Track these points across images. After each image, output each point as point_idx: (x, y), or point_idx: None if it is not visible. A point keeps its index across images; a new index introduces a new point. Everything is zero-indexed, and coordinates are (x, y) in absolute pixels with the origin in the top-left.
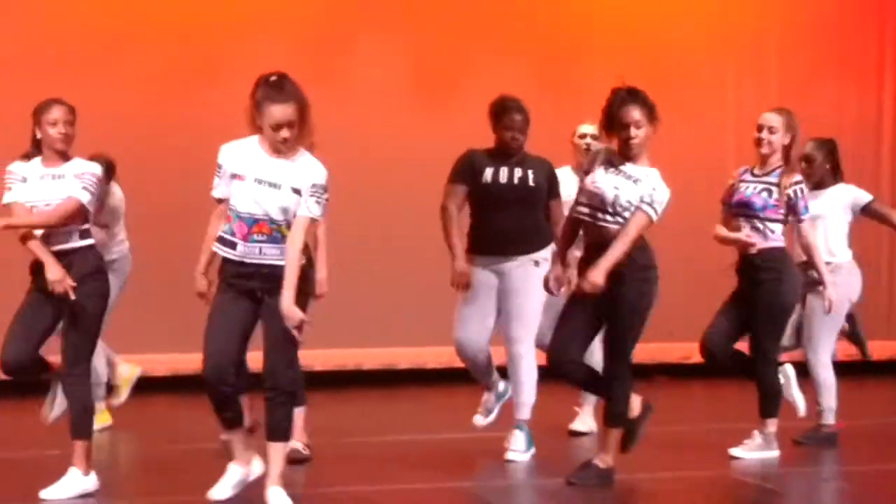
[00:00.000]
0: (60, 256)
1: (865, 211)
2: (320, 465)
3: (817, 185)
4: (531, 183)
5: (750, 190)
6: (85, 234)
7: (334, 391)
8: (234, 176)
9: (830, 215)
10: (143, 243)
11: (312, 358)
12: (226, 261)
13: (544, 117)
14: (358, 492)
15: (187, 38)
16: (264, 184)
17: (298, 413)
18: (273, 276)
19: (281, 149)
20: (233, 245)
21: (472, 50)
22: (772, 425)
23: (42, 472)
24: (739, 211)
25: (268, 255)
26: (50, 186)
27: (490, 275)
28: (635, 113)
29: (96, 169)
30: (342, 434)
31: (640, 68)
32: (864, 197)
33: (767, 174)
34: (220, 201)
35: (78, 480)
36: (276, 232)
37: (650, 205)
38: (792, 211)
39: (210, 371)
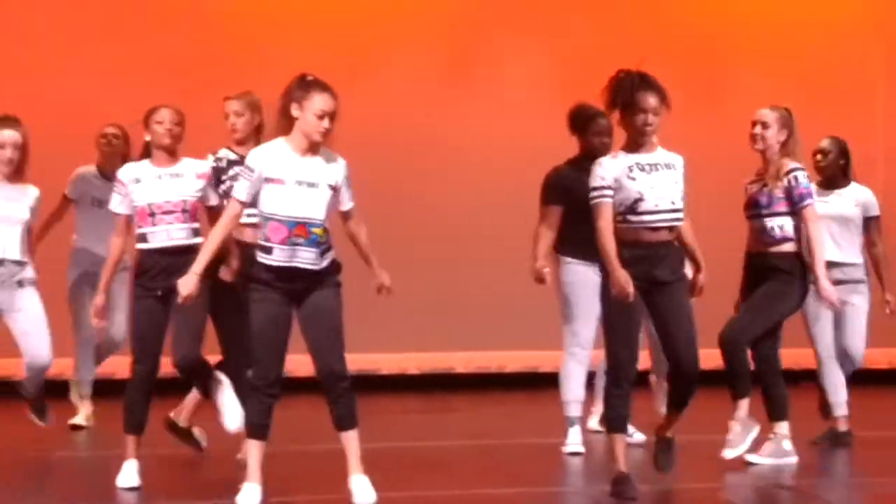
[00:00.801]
0: (183, 252)
1: (865, 222)
2: (460, 467)
3: (829, 183)
4: None
5: (754, 189)
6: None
7: (476, 394)
8: (268, 180)
9: (848, 213)
10: None
11: (454, 360)
12: (262, 266)
13: (689, 122)
14: (496, 495)
15: (323, 41)
16: (304, 184)
17: (194, 398)
18: (311, 275)
19: (317, 138)
20: (269, 250)
21: (616, 53)
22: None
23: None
24: (749, 213)
25: (303, 258)
26: (169, 185)
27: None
28: (652, 99)
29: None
30: (482, 436)
31: (786, 74)
32: (874, 208)
33: (764, 172)
34: (243, 204)
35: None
36: (313, 235)
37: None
38: (793, 199)
39: (260, 382)
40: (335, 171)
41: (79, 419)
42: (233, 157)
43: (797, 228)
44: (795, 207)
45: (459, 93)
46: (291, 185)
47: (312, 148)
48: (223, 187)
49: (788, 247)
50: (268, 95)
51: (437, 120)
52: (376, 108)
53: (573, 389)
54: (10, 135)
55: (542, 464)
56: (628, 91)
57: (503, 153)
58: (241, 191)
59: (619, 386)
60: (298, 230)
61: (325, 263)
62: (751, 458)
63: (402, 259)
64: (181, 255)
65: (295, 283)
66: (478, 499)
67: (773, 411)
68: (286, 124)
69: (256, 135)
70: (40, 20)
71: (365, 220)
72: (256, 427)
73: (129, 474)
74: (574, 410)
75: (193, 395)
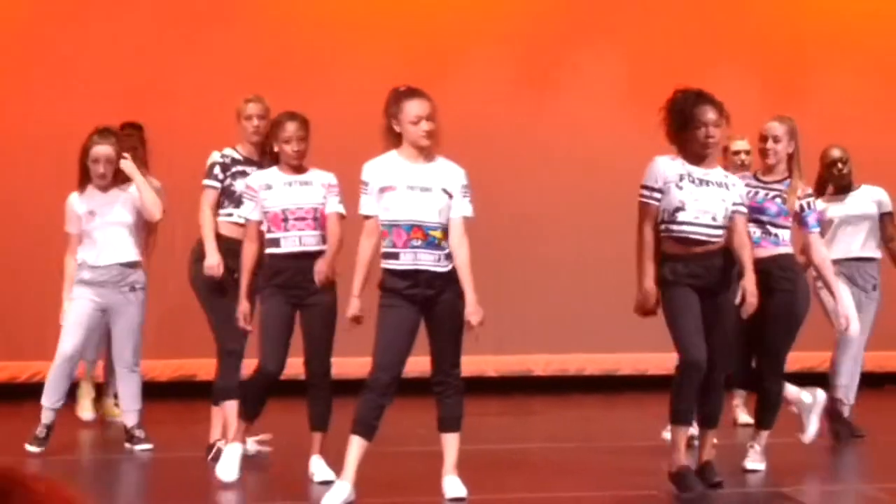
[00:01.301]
0: (312, 258)
1: (881, 218)
2: (538, 470)
3: (845, 189)
4: None
5: (762, 195)
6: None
7: (554, 396)
8: (382, 189)
9: (868, 212)
10: None
11: (533, 363)
12: (389, 273)
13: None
14: (575, 498)
15: (402, 47)
16: (416, 189)
17: (232, 406)
18: (435, 280)
19: (424, 143)
20: (395, 256)
21: (688, 56)
22: (766, 437)
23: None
24: (752, 217)
25: (424, 260)
26: (300, 192)
27: None
28: (711, 113)
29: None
30: (561, 439)
31: (869, 71)
32: (888, 204)
33: (778, 181)
34: (367, 218)
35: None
36: (431, 237)
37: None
38: (801, 222)
39: (377, 384)
40: (450, 178)
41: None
42: (238, 156)
43: (791, 237)
44: (803, 230)
45: (537, 96)
46: (403, 190)
47: (424, 155)
48: (224, 184)
49: (788, 250)
50: (350, 101)
51: (516, 124)
52: (454, 112)
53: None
54: (104, 150)
55: (620, 467)
56: (687, 108)
57: (585, 155)
58: (363, 205)
59: (689, 379)
60: (416, 232)
61: (448, 267)
62: (750, 464)
63: (482, 261)
64: (310, 261)
65: (418, 287)
66: (556, 501)
67: (766, 419)
68: (393, 140)
69: (267, 139)
70: (121, 22)
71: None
72: (364, 425)
73: (229, 464)
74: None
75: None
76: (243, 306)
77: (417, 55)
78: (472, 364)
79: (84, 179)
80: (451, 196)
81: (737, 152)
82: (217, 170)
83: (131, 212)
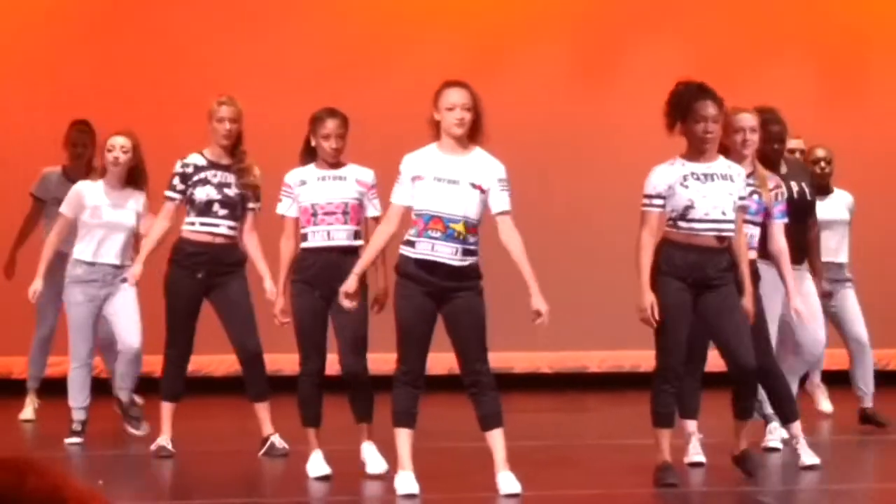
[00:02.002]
0: (342, 252)
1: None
2: (593, 466)
3: (824, 189)
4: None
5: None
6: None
7: (609, 393)
8: (413, 179)
9: (846, 217)
10: None
11: (588, 359)
12: (405, 259)
13: (831, 115)
14: (631, 495)
15: (456, 40)
16: (443, 181)
17: (264, 406)
18: (451, 273)
19: (455, 131)
20: (412, 244)
21: (746, 51)
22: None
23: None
24: None
25: (440, 252)
26: (332, 187)
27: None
28: (711, 108)
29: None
30: (616, 436)
31: None
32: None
33: (749, 175)
34: (400, 206)
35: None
36: (450, 230)
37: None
38: (768, 214)
39: (406, 376)
40: (484, 172)
41: (27, 413)
42: (202, 162)
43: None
44: (771, 220)
45: (592, 90)
46: (430, 181)
47: (460, 146)
48: (189, 193)
49: (752, 255)
50: (400, 95)
51: (570, 119)
52: (508, 108)
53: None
54: (120, 140)
55: (675, 463)
56: (687, 101)
57: (641, 149)
58: (393, 193)
59: (668, 384)
60: (434, 223)
61: (466, 262)
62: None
63: (536, 256)
64: (340, 256)
65: (436, 278)
66: (613, 498)
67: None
68: (437, 132)
69: (237, 143)
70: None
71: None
72: (404, 414)
73: (317, 464)
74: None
75: None
76: (280, 302)
77: (470, 51)
78: (527, 360)
79: (100, 172)
80: (482, 190)
81: (791, 150)
82: (176, 180)
83: (136, 216)
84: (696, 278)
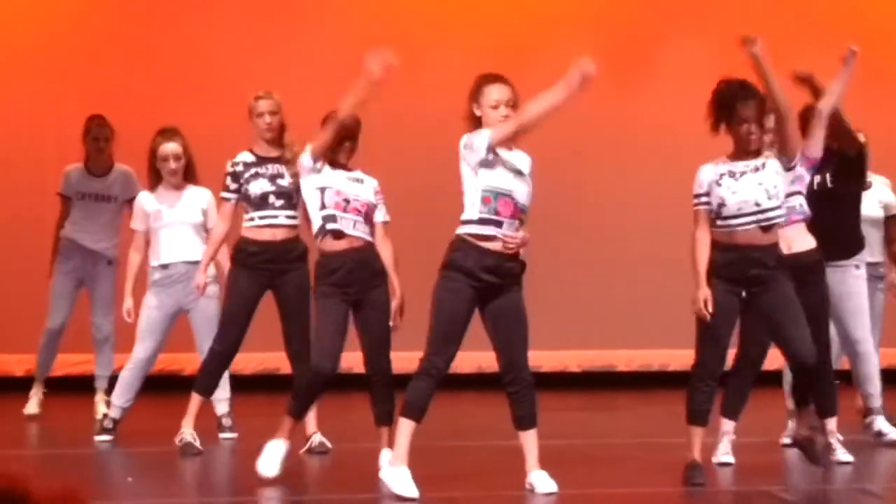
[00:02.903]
0: (364, 250)
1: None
2: (623, 465)
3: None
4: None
5: None
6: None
7: (638, 392)
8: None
9: (877, 215)
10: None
11: (616, 358)
12: (466, 254)
13: (873, 110)
14: (660, 493)
15: (488, 37)
16: (515, 171)
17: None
18: (510, 270)
19: None
20: (491, 238)
21: (776, 46)
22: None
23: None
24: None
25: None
26: (351, 188)
27: None
28: (754, 109)
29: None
30: (645, 434)
31: None
32: (894, 206)
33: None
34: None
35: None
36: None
37: None
38: None
39: (434, 369)
40: (529, 165)
41: (31, 408)
42: (251, 158)
43: None
44: None
45: (621, 89)
46: (504, 170)
47: (505, 143)
48: (243, 190)
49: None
50: (433, 93)
51: (602, 117)
52: None
53: (876, 384)
54: (172, 147)
55: (704, 463)
56: (730, 102)
57: (671, 148)
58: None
59: (704, 382)
60: (508, 210)
61: (519, 258)
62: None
63: (565, 254)
64: (362, 255)
65: (491, 273)
66: (641, 497)
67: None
68: (474, 126)
69: (282, 135)
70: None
71: (530, 216)
72: (418, 408)
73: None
74: (876, 401)
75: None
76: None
77: (497, 50)
78: (555, 359)
79: (154, 179)
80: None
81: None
82: (228, 180)
83: (200, 212)
84: (742, 278)
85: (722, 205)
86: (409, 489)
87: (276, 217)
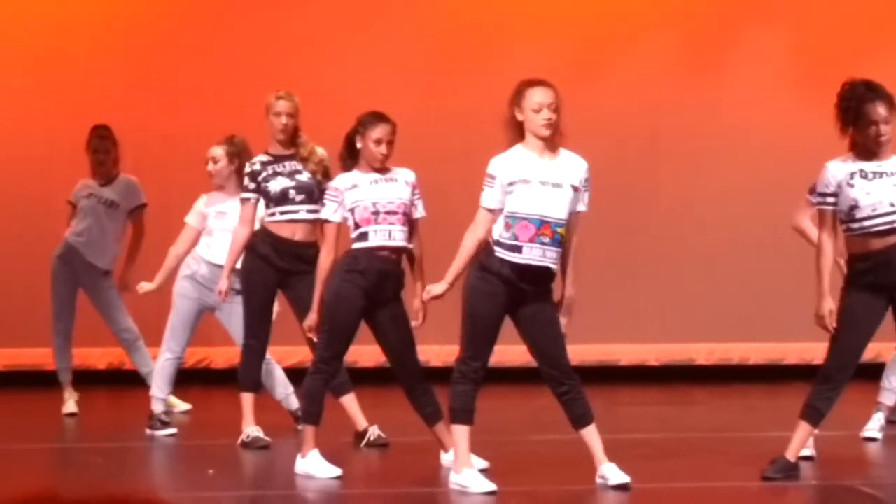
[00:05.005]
0: (400, 253)
1: None
2: (701, 460)
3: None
4: None
5: None
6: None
7: (717, 386)
8: (512, 183)
9: None
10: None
11: (695, 352)
12: (502, 261)
13: None
14: (739, 488)
15: (561, 32)
16: (548, 185)
17: (351, 399)
18: (546, 277)
19: (543, 133)
20: (517, 249)
21: (858, 36)
22: None
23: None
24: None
25: (548, 258)
26: (388, 188)
27: None
28: (881, 109)
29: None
30: (724, 429)
31: None
32: None
33: None
34: (490, 211)
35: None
36: (557, 235)
37: None
38: None
39: (471, 372)
40: (576, 172)
41: (70, 407)
42: (267, 158)
43: None
44: None
45: (700, 80)
46: (536, 185)
47: (549, 148)
48: (262, 188)
49: None
50: (502, 94)
51: (680, 110)
52: (614, 97)
53: None
54: (215, 152)
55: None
56: (856, 104)
57: (749, 140)
58: (486, 198)
59: (826, 385)
60: (545, 229)
61: (556, 266)
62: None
63: (644, 248)
64: (394, 263)
65: (531, 282)
66: (719, 491)
67: None
68: (515, 132)
69: (295, 136)
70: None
71: (605, 212)
72: (466, 412)
73: (318, 463)
74: None
75: None
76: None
77: (576, 44)
78: (634, 353)
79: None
80: (576, 191)
81: None
82: (247, 181)
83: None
84: (883, 285)
85: (855, 206)
86: (486, 484)
87: (296, 212)
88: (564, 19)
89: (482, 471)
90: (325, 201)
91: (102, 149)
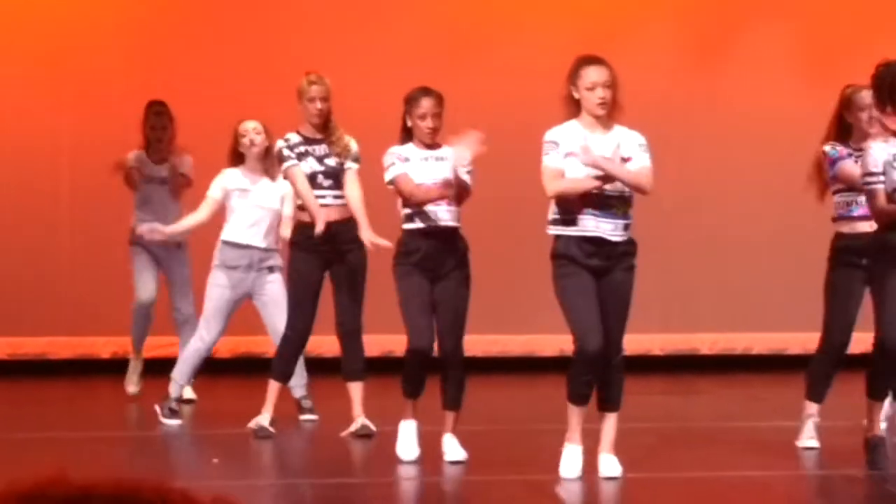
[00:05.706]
0: (449, 234)
1: None
2: (705, 449)
3: None
4: None
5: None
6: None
7: (721, 376)
8: (567, 155)
9: None
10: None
11: (699, 341)
12: (566, 240)
13: None
14: (742, 477)
15: (568, 20)
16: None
17: (358, 386)
18: (613, 250)
19: (598, 111)
20: (573, 222)
21: (862, 28)
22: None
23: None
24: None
25: (603, 229)
26: (436, 167)
27: None
28: None
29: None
30: (728, 418)
31: None
32: None
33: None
34: (556, 170)
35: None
36: (608, 206)
37: None
38: None
39: (586, 355)
40: (630, 142)
41: (132, 386)
42: (298, 138)
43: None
44: None
45: (705, 72)
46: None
47: (602, 124)
48: (286, 164)
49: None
50: (520, 79)
51: (687, 99)
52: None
53: None
54: (252, 125)
55: (787, 446)
56: (891, 84)
57: (756, 130)
58: (555, 161)
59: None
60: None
61: (626, 237)
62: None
63: (647, 238)
64: (445, 238)
65: (598, 257)
66: (724, 481)
67: None
68: (572, 109)
69: (328, 119)
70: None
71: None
72: (581, 396)
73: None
74: None
75: None
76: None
77: (579, 32)
78: (638, 342)
79: (236, 159)
80: (629, 160)
81: None
82: (286, 152)
83: (280, 201)
84: None
85: None
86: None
87: (324, 197)
88: (568, 9)
89: (456, 462)
90: (385, 165)
91: (160, 125)
